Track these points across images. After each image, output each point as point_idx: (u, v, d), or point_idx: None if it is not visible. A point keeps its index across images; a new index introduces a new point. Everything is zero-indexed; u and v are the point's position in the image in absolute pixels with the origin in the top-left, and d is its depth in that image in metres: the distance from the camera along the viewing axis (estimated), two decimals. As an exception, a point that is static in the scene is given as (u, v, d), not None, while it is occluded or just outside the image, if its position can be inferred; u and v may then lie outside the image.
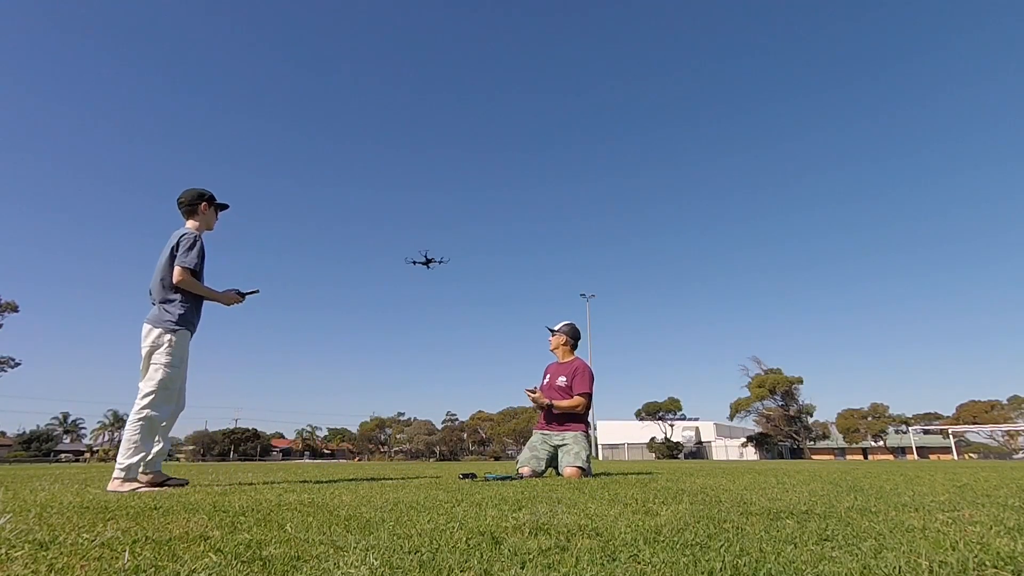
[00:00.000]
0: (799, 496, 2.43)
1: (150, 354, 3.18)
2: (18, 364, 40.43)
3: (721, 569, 0.99)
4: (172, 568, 0.99)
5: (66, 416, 66.64)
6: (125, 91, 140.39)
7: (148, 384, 3.11)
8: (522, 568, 1.00)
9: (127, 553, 1.11)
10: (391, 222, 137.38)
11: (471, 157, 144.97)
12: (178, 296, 3.26)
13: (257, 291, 3.70)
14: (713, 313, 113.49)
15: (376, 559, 1.06)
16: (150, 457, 3.10)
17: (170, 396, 3.18)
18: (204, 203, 3.52)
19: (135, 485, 2.99)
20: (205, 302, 3.48)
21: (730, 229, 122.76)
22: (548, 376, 4.57)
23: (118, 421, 63.14)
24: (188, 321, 3.29)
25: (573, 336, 4.65)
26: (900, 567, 1.00)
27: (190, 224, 3.48)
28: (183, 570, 0.98)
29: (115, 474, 2.97)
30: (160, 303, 3.25)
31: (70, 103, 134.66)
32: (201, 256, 3.34)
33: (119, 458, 3.00)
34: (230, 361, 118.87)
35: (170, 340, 3.18)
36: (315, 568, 1.00)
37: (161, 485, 3.15)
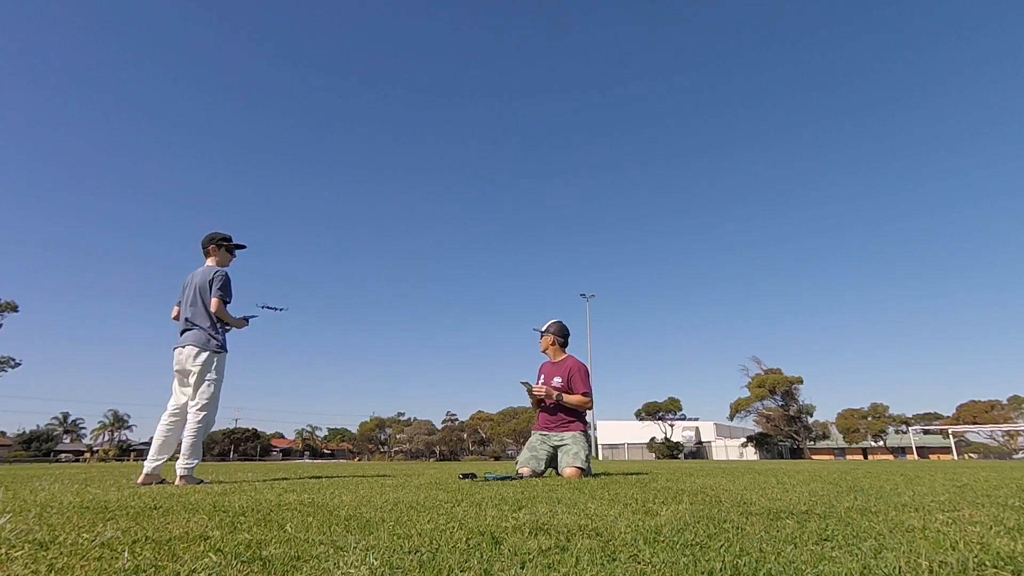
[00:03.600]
0: (799, 496, 2.43)
1: (201, 372, 3.71)
2: (18, 364, 40.37)
3: (721, 569, 0.99)
4: (172, 568, 0.99)
5: (66, 416, 66.58)
6: (125, 91, 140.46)
7: (202, 398, 3.71)
8: (522, 568, 1.00)
9: (127, 553, 1.11)
10: (391, 222, 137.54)
11: (471, 157, 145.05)
12: (219, 323, 3.88)
13: (256, 316, 4.36)
14: (713, 313, 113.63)
15: (376, 559, 1.06)
16: (160, 463, 3.65)
17: (217, 406, 3.84)
18: (213, 246, 4.10)
19: (199, 484, 3.53)
20: None
21: (730, 229, 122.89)
22: (543, 376, 4.54)
23: (118, 421, 63.16)
24: (226, 345, 3.93)
25: (562, 334, 4.61)
26: (900, 567, 1.00)
27: (211, 262, 4.06)
28: (183, 570, 0.98)
29: (180, 473, 3.58)
30: (205, 328, 3.81)
31: (70, 103, 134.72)
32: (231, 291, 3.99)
33: (183, 461, 3.59)
34: (230, 361, 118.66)
35: (219, 361, 3.82)
36: (315, 568, 1.00)
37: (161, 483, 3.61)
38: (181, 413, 3.74)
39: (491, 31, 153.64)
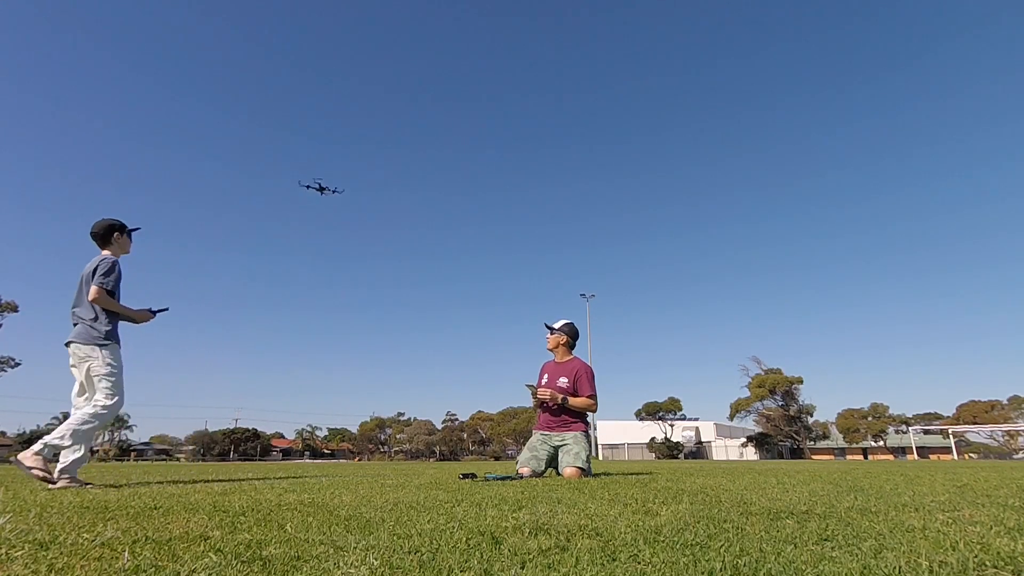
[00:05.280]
0: (799, 496, 2.43)
1: (91, 368, 3.47)
2: (18, 364, 40.48)
3: (721, 569, 0.99)
4: (172, 568, 0.99)
5: (66, 416, 66.38)
6: (125, 91, 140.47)
7: (102, 394, 3.45)
8: (522, 568, 1.00)
9: (127, 553, 1.11)
10: (391, 222, 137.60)
11: (471, 157, 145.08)
12: (103, 315, 3.58)
13: (167, 309, 4.04)
14: (713, 313, 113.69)
15: (376, 559, 1.06)
16: (67, 463, 3.33)
17: (118, 404, 3.52)
18: (117, 233, 3.80)
19: (71, 482, 3.28)
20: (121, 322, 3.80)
21: (730, 229, 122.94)
22: (546, 376, 4.51)
23: (118, 421, 63.14)
24: (114, 336, 3.62)
25: (572, 336, 4.61)
26: (900, 567, 1.00)
27: (106, 252, 3.75)
28: (183, 570, 0.98)
29: (60, 466, 3.29)
30: (86, 321, 3.55)
31: (70, 103, 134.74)
32: (118, 279, 3.68)
33: (53, 438, 3.31)
34: (230, 361, 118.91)
35: (104, 354, 3.51)
36: (315, 568, 1.00)
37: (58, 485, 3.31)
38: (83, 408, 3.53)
39: (491, 31, 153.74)
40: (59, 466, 3.32)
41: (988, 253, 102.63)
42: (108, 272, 3.59)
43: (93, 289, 3.52)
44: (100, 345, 3.52)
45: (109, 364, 3.51)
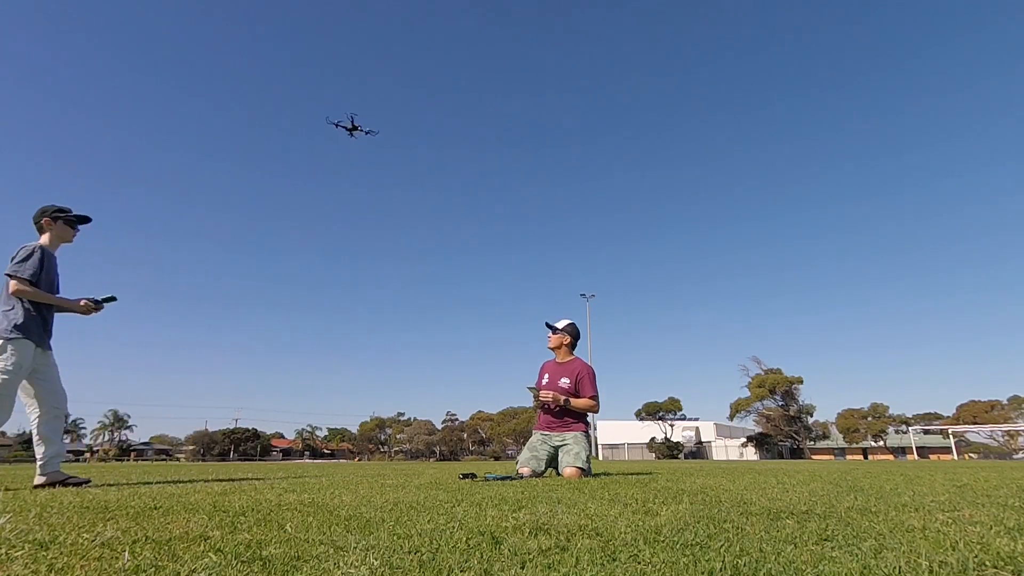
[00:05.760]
0: (799, 496, 2.43)
1: None
2: (18, 364, 40.36)
3: (721, 569, 0.99)
4: (172, 568, 0.99)
5: (66, 416, 66.32)
6: (125, 89, 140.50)
7: None
8: (522, 568, 1.00)
9: (127, 553, 1.11)
10: (391, 222, 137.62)
11: (470, 157, 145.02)
12: (18, 305, 3.32)
13: (114, 298, 3.71)
14: (713, 313, 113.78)
15: (376, 559, 1.06)
16: (45, 461, 3.30)
17: (2, 403, 3.22)
18: (46, 219, 3.54)
19: (56, 476, 3.30)
20: (64, 313, 3.59)
21: (730, 229, 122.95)
22: (547, 376, 4.51)
23: (118, 421, 63.24)
24: (27, 330, 3.31)
25: (575, 336, 4.60)
26: (900, 567, 1.00)
27: (42, 239, 3.54)
28: (183, 570, 0.98)
29: (39, 464, 3.25)
30: (1, 312, 3.31)
31: (69, 102, 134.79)
32: (40, 267, 3.38)
33: (40, 453, 3.27)
34: (230, 361, 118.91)
35: (8, 348, 3.23)
36: (315, 568, 1.00)
37: (63, 484, 3.30)
38: (37, 406, 3.40)
39: (491, 30, 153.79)
40: (38, 463, 3.29)
41: (988, 253, 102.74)
42: (24, 259, 3.32)
43: (12, 283, 3.28)
44: (8, 339, 3.24)
45: (9, 360, 3.22)
